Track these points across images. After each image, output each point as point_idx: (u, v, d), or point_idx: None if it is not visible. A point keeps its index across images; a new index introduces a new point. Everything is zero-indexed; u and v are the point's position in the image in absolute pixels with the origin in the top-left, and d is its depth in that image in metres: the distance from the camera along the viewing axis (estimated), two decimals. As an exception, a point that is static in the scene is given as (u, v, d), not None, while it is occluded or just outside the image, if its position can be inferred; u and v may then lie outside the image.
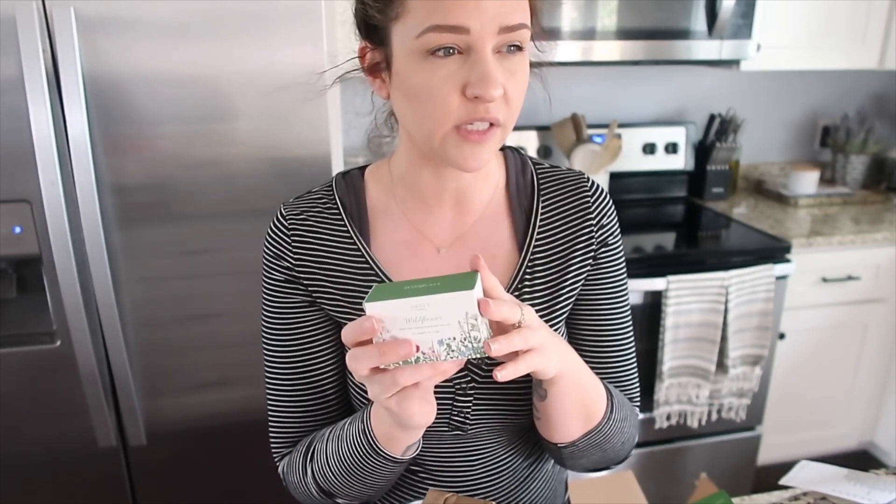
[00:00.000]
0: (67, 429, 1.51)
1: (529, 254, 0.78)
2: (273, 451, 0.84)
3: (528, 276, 0.78)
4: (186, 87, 1.36)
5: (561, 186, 0.81)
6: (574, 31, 1.86)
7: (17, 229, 1.36)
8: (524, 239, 0.79)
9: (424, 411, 0.63)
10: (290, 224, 0.78)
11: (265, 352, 0.81)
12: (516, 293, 0.77)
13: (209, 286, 1.49)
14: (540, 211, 0.80)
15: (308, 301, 0.78)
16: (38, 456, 1.52)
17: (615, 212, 0.83)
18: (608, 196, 0.83)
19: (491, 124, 0.66)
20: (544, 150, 2.24)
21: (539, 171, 0.82)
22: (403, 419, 0.62)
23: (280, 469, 0.83)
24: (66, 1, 1.25)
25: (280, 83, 1.40)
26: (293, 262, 0.77)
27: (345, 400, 0.83)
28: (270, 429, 0.83)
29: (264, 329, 0.81)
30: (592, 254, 0.80)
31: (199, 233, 1.46)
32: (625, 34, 1.89)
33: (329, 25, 1.41)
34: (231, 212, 1.46)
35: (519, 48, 0.66)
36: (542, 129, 2.22)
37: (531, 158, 0.84)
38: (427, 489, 0.82)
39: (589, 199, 0.81)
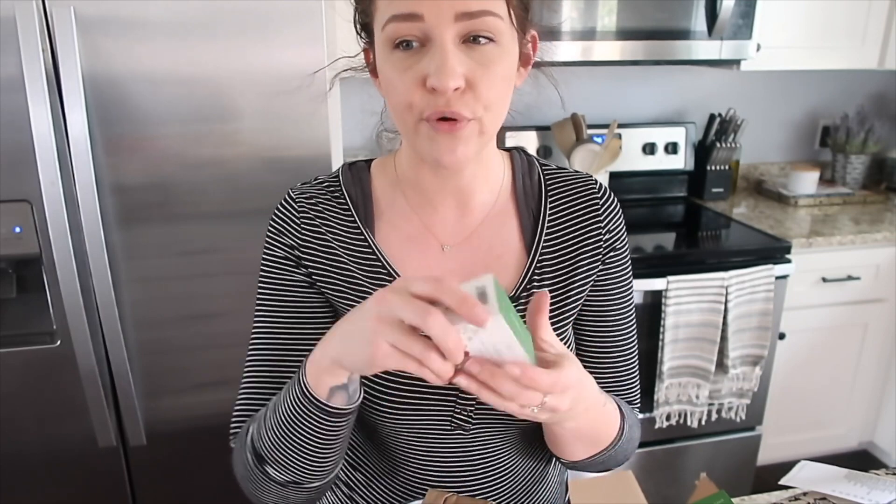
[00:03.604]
0: (67, 429, 1.51)
1: (538, 254, 0.78)
2: (231, 426, 0.79)
3: (536, 277, 0.78)
4: (186, 86, 1.36)
5: (569, 189, 0.81)
6: (574, 31, 1.86)
7: (17, 229, 1.36)
8: (532, 239, 0.79)
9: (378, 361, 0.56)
10: (299, 206, 0.77)
11: (254, 324, 0.79)
12: (525, 293, 0.77)
13: (209, 286, 1.49)
14: (548, 212, 0.80)
15: (307, 283, 0.77)
16: (38, 456, 1.52)
17: (623, 216, 0.83)
18: (616, 200, 0.83)
19: (466, 120, 0.64)
20: (544, 150, 2.24)
21: (546, 173, 0.82)
22: (355, 358, 0.58)
23: (232, 443, 0.78)
24: (66, 1, 1.25)
25: (280, 83, 1.40)
26: (299, 242, 0.77)
27: None
28: (236, 403, 0.79)
29: (257, 305, 0.79)
30: (601, 258, 0.80)
31: (199, 233, 1.46)
32: (625, 34, 1.89)
33: (329, 25, 1.41)
34: (231, 212, 1.46)
35: (490, 38, 0.63)
36: (542, 129, 2.22)
37: (538, 160, 0.84)
38: (427, 489, 0.82)
39: (598, 202, 0.81)
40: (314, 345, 0.77)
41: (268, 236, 0.79)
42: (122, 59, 1.31)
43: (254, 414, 0.77)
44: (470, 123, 0.65)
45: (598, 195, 0.81)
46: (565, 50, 1.87)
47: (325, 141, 1.46)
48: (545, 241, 0.79)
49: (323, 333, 0.77)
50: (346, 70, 0.78)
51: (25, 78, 1.25)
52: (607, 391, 0.86)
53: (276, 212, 0.78)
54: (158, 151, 1.39)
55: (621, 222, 0.82)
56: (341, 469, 0.88)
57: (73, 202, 1.34)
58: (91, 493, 1.58)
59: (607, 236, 0.80)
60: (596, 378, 0.81)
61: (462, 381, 0.56)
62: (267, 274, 0.79)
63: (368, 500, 0.86)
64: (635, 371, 0.86)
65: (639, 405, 0.88)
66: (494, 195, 0.79)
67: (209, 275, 1.48)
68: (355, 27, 0.73)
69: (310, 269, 0.77)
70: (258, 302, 0.79)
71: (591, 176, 0.83)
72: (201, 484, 1.64)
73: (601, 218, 0.80)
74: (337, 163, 1.52)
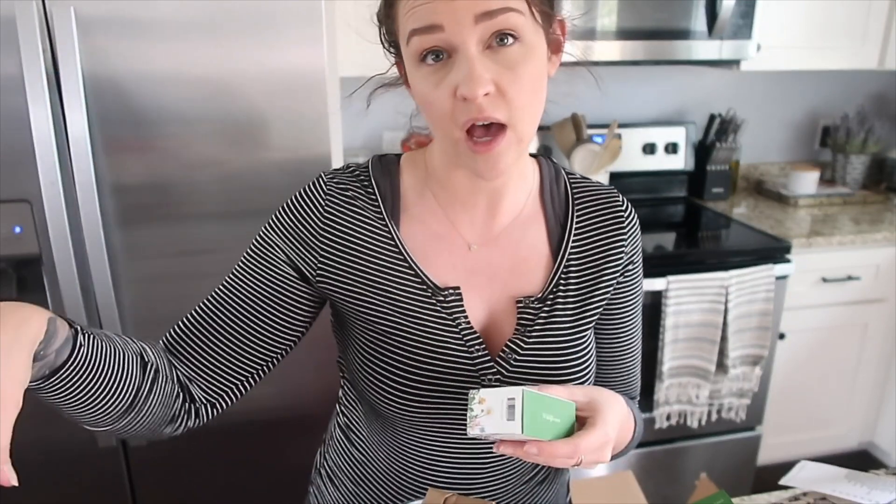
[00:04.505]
0: (67, 429, 1.51)
1: (565, 260, 0.79)
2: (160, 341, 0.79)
3: (562, 282, 0.79)
4: (186, 87, 1.36)
5: (595, 200, 0.82)
6: (574, 31, 1.85)
7: (17, 229, 1.36)
8: (558, 245, 0.80)
9: None
10: (328, 189, 0.76)
11: (227, 277, 0.78)
12: (551, 295, 0.78)
13: (209, 286, 1.47)
14: (575, 221, 0.81)
15: (293, 277, 0.76)
16: (38, 456, 1.52)
17: (640, 229, 0.85)
18: (636, 214, 0.84)
19: (500, 127, 0.65)
20: (544, 150, 2.24)
21: (572, 182, 0.83)
22: None
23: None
24: (66, 1, 1.25)
25: (280, 83, 1.40)
26: (316, 226, 0.75)
27: (255, 368, 0.78)
28: (170, 331, 0.78)
29: (239, 263, 0.78)
30: (621, 270, 0.82)
31: (199, 233, 1.46)
32: (625, 34, 1.89)
33: (329, 26, 1.41)
34: (231, 212, 1.46)
35: (514, 37, 0.63)
36: (542, 129, 2.22)
37: (563, 168, 0.85)
38: (427, 489, 0.82)
39: (623, 216, 0.82)
40: (271, 332, 0.76)
41: (281, 214, 0.77)
42: (122, 59, 1.31)
43: (172, 345, 0.77)
44: (506, 135, 0.65)
45: (623, 210, 0.83)
46: (565, 50, 1.87)
47: (326, 141, 1.46)
48: (572, 247, 0.80)
49: (288, 325, 0.77)
50: (381, 87, 0.78)
51: (25, 78, 1.25)
52: (612, 386, 0.88)
53: (304, 191, 0.77)
54: (158, 151, 1.39)
55: (640, 237, 0.85)
56: (347, 464, 0.88)
57: (73, 202, 1.34)
58: (91, 494, 1.58)
59: (629, 249, 0.82)
60: (603, 374, 0.87)
61: (509, 450, 0.64)
62: (259, 246, 0.77)
63: (373, 495, 0.86)
64: (639, 368, 0.91)
65: (638, 397, 0.94)
66: (524, 198, 0.80)
67: (209, 275, 1.47)
68: (383, 44, 0.73)
69: (321, 263, 0.75)
70: (241, 261, 0.78)
71: (615, 189, 0.84)
72: (201, 484, 1.65)
73: (625, 232, 0.82)
74: (337, 163, 1.52)
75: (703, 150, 2.37)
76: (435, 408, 0.76)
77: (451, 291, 0.76)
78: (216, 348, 0.76)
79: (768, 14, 1.99)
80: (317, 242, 0.75)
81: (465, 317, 0.76)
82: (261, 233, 0.78)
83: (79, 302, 1.39)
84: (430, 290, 0.76)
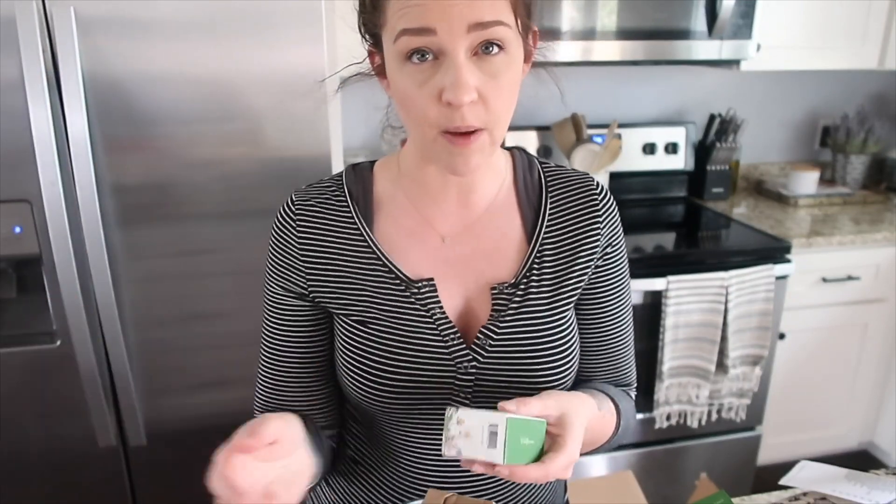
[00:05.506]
0: (67, 428, 1.51)
1: (538, 245, 0.80)
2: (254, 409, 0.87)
3: (535, 267, 0.80)
4: (186, 87, 1.36)
5: (568, 186, 0.83)
6: (574, 31, 1.86)
7: (17, 229, 1.36)
8: (532, 232, 0.81)
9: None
10: (297, 210, 0.79)
11: (262, 332, 0.84)
12: (525, 280, 0.79)
13: (209, 286, 1.49)
14: (548, 208, 0.82)
15: (303, 305, 0.80)
16: (39, 455, 1.52)
17: (619, 214, 0.86)
18: (613, 199, 0.85)
19: (478, 130, 0.66)
20: (544, 150, 2.24)
21: (546, 170, 0.85)
22: None
23: None
24: (66, 1, 1.25)
25: (280, 83, 1.40)
26: (297, 251, 0.78)
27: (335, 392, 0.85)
28: (256, 401, 0.86)
29: (263, 315, 0.83)
30: (599, 253, 0.82)
31: (199, 233, 1.46)
32: (625, 34, 1.89)
33: (329, 25, 1.41)
34: (231, 212, 1.46)
35: (500, 47, 0.65)
36: (542, 129, 2.22)
37: (537, 158, 0.86)
38: (426, 485, 0.82)
39: (597, 200, 0.83)
40: (315, 352, 0.81)
41: (269, 249, 0.81)
42: (122, 59, 1.32)
43: (272, 404, 0.84)
44: (482, 134, 0.67)
45: (598, 193, 0.83)
46: (565, 50, 1.87)
47: (325, 141, 1.46)
48: (545, 233, 0.81)
49: (322, 340, 0.81)
50: (355, 76, 0.79)
51: (25, 78, 1.25)
52: (605, 375, 0.89)
53: (276, 222, 0.80)
54: (158, 151, 1.39)
55: (618, 220, 0.85)
56: (342, 462, 0.89)
57: (73, 202, 1.34)
58: (91, 494, 1.58)
59: (606, 231, 0.83)
60: (594, 362, 0.87)
61: (479, 469, 0.65)
62: (268, 293, 0.82)
63: (368, 494, 0.86)
64: (632, 358, 0.91)
65: (635, 385, 0.93)
66: (496, 189, 0.81)
67: (209, 275, 1.48)
68: (360, 30, 0.74)
69: (308, 278, 0.78)
70: (264, 313, 0.83)
71: (589, 174, 0.85)
72: (201, 484, 1.64)
73: (600, 215, 0.82)
74: (337, 163, 1.52)
75: (703, 150, 2.37)
76: (415, 401, 0.77)
77: (424, 283, 0.77)
78: (300, 397, 0.82)
79: (768, 14, 1.99)
80: (300, 262, 0.78)
81: (440, 307, 0.77)
82: (264, 282, 0.82)
83: (79, 302, 1.39)
84: (403, 284, 0.77)
